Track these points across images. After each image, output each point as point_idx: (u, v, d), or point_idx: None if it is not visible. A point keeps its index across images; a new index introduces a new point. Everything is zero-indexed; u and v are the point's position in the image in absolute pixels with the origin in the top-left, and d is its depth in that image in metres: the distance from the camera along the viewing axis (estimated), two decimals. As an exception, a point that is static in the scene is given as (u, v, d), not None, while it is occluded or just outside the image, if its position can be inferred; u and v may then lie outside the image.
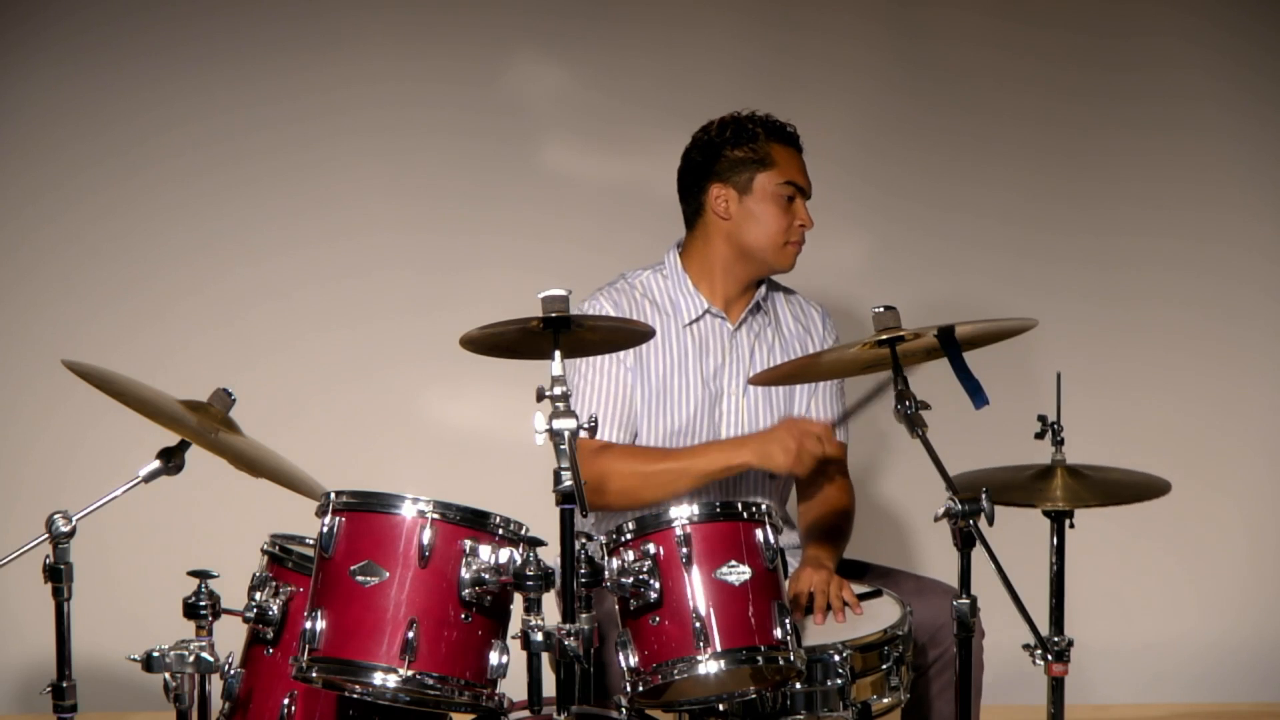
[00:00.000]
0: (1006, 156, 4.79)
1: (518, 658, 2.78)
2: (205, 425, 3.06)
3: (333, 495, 2.86)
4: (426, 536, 2.78)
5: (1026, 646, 3.22)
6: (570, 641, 2.70)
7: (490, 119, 4.73)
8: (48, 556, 2.95)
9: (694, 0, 4.75)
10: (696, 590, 2.83)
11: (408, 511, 2.80)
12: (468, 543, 2.79)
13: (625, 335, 3.12)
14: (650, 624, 2.84)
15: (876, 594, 3.29)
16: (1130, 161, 4.79)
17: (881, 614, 3.17)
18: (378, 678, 2.74)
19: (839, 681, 2.97)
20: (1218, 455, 4.81)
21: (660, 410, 3.47)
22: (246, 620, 2.99)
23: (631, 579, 2.83)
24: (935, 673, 3.33)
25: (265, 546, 3.06)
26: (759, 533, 2.89)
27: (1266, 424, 4.84)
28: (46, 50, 4.67)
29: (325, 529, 2.83)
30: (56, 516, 2.94)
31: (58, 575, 2.95)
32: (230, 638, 3.00)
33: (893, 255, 4.79)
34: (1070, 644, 3.34)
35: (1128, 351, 4.81)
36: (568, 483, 2.69)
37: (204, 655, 2.81)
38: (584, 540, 2.81)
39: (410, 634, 2.74)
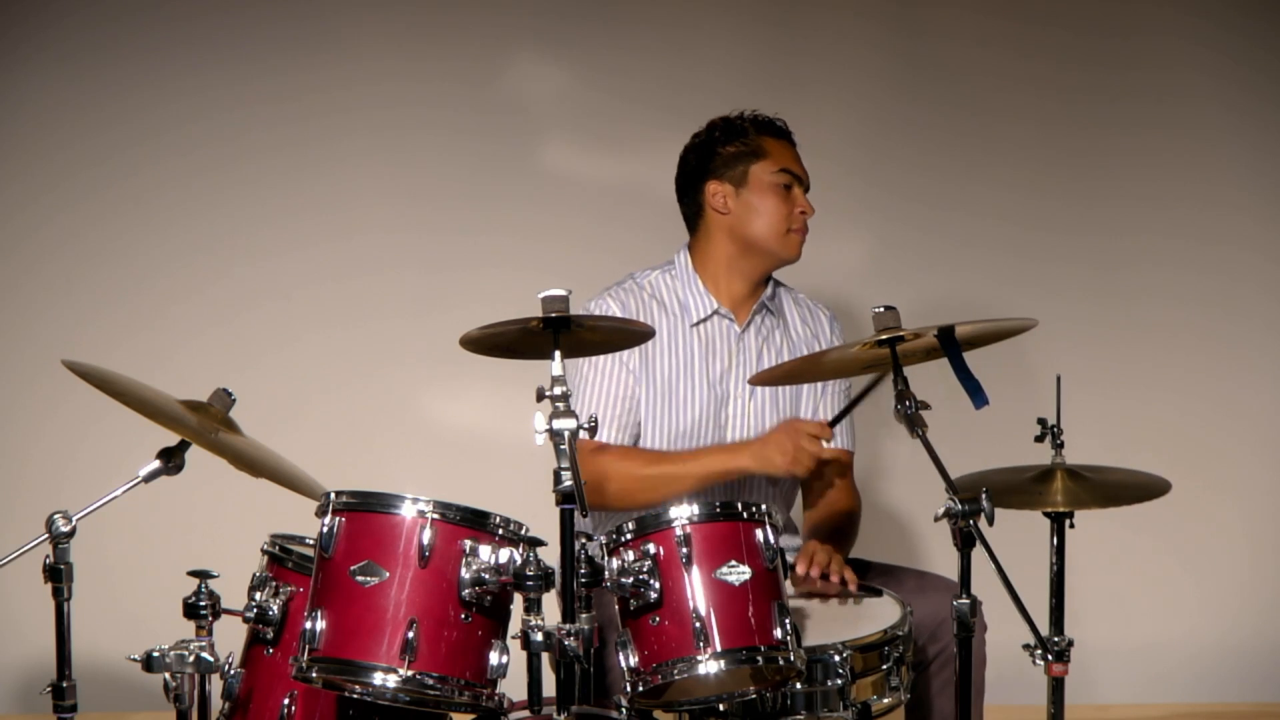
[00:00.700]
0: (1006, 156, 4.79)
1: (518, 658, 2.78)
2: (205, 425, 3.06)
3: (333, 495, 2.85)
4: (426, 536, 2.77)
5: (1027, 646, 3.22)
6: (570, 641, 2.70)
7: (490, 119, 4.72)
8: (48, 556, 2.95)
9: (694, 0, 4.75)
10: (696, 590, 2.83)
11: (408, 511, 2.80)
12: (468, 543, 2.78)
13: (625, 336, 3.11)
14: (650, 624, 2.83)
15: (877, 593, 3.29)
16: (1130, 161, 4.79)
17: (881, 614, 3.16)
18: (378, 678, 2.74)
19: (839, 681, 2.96)
20: (1218, 455, 4.81)
21: (665, 412, 3.47)
22: (246, 620, 2.99)
23: (631, 579, 2.82)
24: (937, 668, 3.32)
25: (265, 546, 3.06)
26: (759, 533, 2.89)
27: (1266, 424, 4.84)
28: (46, 50, 4.67)
29: (325, 529, 2.82)
30: (56, 516, 2.94)
31: (58, 575, 2.95)
32: (230, 638, 3.00)
33: (893, 255, 4.78)
34: (1070, 644, 3.34)
35: (1128, 351, 4.81)
36: (567, 483, 2.69)
37: (204, 655, 2.80)
38: (584, 540, 2.80)
39: (410, 634, 2.74)
